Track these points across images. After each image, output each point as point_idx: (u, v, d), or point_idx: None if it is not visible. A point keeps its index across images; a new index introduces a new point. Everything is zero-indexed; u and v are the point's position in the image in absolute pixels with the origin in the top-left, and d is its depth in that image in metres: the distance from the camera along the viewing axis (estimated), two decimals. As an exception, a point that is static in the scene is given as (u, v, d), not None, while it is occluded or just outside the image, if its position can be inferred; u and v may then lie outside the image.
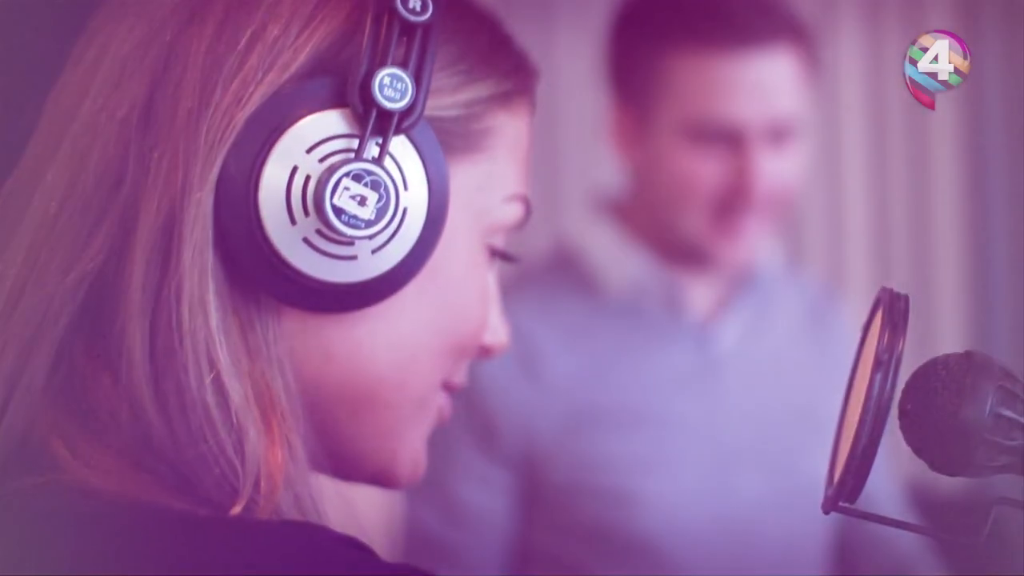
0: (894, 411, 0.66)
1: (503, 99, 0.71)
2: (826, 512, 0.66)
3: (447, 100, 0.68)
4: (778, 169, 1.49)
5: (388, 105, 0.63)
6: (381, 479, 0.74)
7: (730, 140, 1.46)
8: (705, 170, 1.48)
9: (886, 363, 0.64)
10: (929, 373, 0.67)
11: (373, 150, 0.64)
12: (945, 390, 0.66)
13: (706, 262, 1.53)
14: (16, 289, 0.64)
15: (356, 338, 0.67)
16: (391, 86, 0.63)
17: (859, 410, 0.64)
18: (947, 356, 0.67)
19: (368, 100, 0.63)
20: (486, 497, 1.50)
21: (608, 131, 1.61)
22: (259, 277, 0.64)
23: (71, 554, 0.60)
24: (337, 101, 0.63)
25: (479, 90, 0.70)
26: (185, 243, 0.62)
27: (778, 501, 1.51)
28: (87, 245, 0.63)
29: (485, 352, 0.76)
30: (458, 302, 0.70)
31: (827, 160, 2.53)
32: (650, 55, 1.51)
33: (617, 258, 1.55)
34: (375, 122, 0.63)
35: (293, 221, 0.63)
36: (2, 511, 0.63)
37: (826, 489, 0.67)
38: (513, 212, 0.73)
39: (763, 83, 1.47)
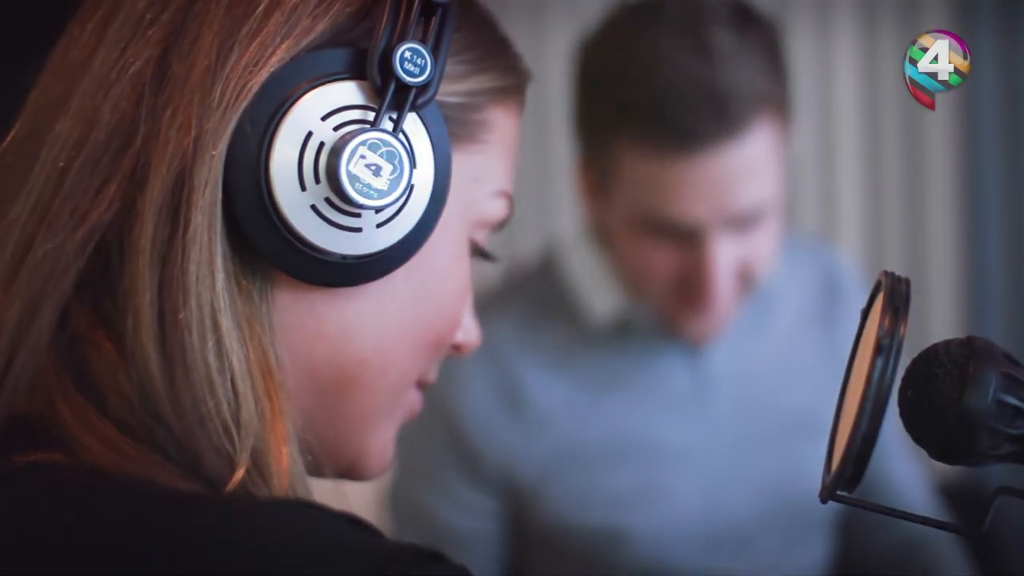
0: (894, 398, 0.64)
1: (501, 94, 0.72)
2: (824, 501, 0.65)
3: (452, 87, 0.68)
4: (742, 255, 1.36)
5: (407, 79, 0.63)
6: (351, 470, 0.74)
7: (686, 234, 1.34)
8: (661, 260, 1.38)
9: (887, 348, 0.62)
10: (930, 359, 0.65)
11: (387, 124, 0.64)
12: (947, 376, 0.64)
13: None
14: (24, 242, 0.64)
15: (345, 317, 0.67)
16: (411, 61, 0.63)
17: (859, 396, 0.62)
18: (948, 342, 0.66)
19: (387, 73, 0.63)
20: (473, 523, 1.46)
21: (571, 177, 1.52)
22: (263, 242, 0.63)
23: (67, 533, 0.59)
24: (354, 72, 0.64)
25: (482, 81, 0.70)
26: (195, 202, 0.62)
27: (773, 519, 1.47)
28: (97, 201, 0.63)
29: (456, 349, 0.76)
30: (441, 292, 0.71)
31: (822, 148, 2.51)
32: (601, 139, 1.40)
33: (601, 281, 1.47)
34: (392, 96, 0.63)
35: (303, 187, 0.63)
36: (4, 485, 0.63)
37: (824, 477, 0.65)
38: (499, 208, 0.73)
39: (720, 181, 1.32)
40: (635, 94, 1.33)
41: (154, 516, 0.59)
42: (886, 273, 0.66)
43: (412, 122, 0.65)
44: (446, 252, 0.70)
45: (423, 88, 0.64)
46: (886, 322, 0.63)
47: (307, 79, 0.63)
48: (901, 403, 0.65)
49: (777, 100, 1.36)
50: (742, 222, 1.34)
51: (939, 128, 2.42)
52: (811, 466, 1.42)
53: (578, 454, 1.43)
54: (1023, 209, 2.35)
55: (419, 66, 0.64)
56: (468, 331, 0.76)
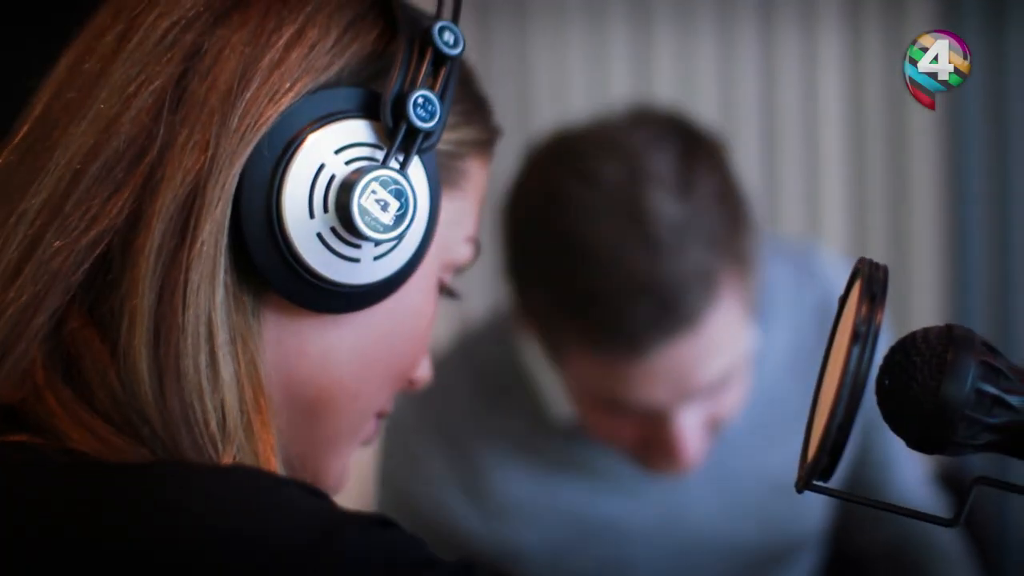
0: (871, 387, 0.63)
1: (481, 147, 0.77)
2: (799, 491, 0.64)
3: (445, 135, 0.72)
4: (711, 412, 1.25)
5: (419, 124, 0.67)
6: None
7: (647, 412, 1.23)
8: (622, 429, 1.26)
9: (864, 336, 0.61)
10: (908, 347, 0.64)
11: (394, 164, 0.68)
12: (925, 365, 0.63)
13: None
14: (32, 238, 0.66)
15: (327, 341, 0.71)
16: (423, 107, 0.67)
17: (835, 385, 0.61)
18: (926, 330, 0.65)
19: (400, 116, 0.67)
20: None
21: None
22: (265, 263, 0.66)
23: (24, 501, 0.62)
24: (367, 113, 0.68)
25: (469, 133, 0.75)
26: (205, 217, 0.64)
27: (750, 570, 1.42)
28: (108, 206, 0.65)
29: (412, 385, 0.79)
30: (413, 327, 0.75)
31: (806, 136, 2.50)
32: (543, 322, 1.26)
33: (559, 386, 1.34)
34: (404, 138, 0.67)
35: (311, 215, 0.66)
36: None
37: (800, 468, 0.64)
38: (468, 252, 0.78)
39: (677, 370, 1.19)
40: (572, 289, 1.19)
41: (108, 480, 0.61)
42: (864, 260, 0.65)
43: (414, 164, 0.69)
44: (421, 289, 0.73)
45: (428, 133, 0.68)
46: (863, 310, 0.62)
47: (322, 114, 0.67)
48: (879, 392, 0.64)
49: (735, 257, 1.21)
50: (708, 391, 1.23)
51: (924, 125, 2.41)
52: (793, 521, 1.39)
53: (543, 539, 1.37)
54: (1006, 206, 2.35)
55: (429, 112, 0.68)
56: (424, 368, 0.80)
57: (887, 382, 0.64)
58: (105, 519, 0.59)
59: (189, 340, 0.64)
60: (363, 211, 0.66)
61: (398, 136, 0.67)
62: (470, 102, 0.76)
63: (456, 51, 0.70)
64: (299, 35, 0.67)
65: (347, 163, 0.67)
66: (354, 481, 0.81)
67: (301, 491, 0.62)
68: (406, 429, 1.42)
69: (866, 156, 2.47)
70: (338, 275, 0.68)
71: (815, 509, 1.43)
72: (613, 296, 1.16)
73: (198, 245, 0.65)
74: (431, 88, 0.69)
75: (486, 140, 0.78)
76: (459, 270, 0.78)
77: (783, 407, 1.37)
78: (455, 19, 0.71)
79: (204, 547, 0.57)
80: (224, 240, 0.65)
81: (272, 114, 0.66)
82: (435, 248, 0.73)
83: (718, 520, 1.39)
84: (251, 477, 0.63)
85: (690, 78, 2.51)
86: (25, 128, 0.69)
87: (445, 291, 0.79)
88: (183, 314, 0.64)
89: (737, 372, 1.25)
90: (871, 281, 0.63)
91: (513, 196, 1.28)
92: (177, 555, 0.57)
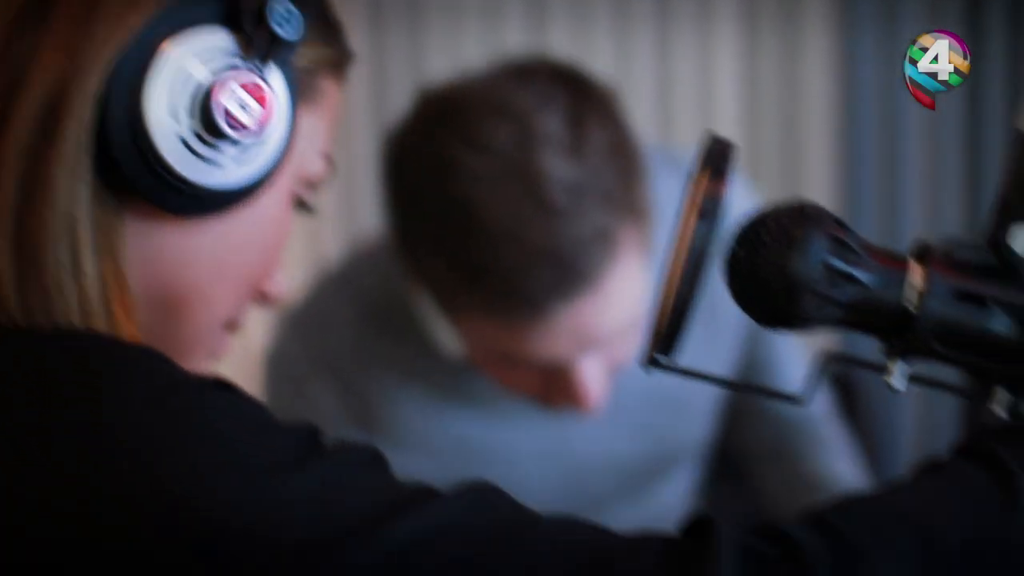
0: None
1: (336, 67, 0.79)
2: (643, 367, 0.63)
3: (303, 51, 0.74)
4: (613, 359, 1.24)
5: (279, 32, 0.70)
6: None
7: (548, 364, 1.22)
8: (523, 379, 1.25)
9: (708, 211, 0.61)
10: (757, 224, 0.64)
11: (255, 69, 0.70)
12: (775, 242, 0.63)
13: None
14: None
15: (186, 244, 0.72)
16: (283, 16, 0.70)
17: (679, 259, 0.61)
18: (777, 206, 0.65)
19: (261, 25, 0.69)
20: None
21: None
22: (128, 165, 0.68)
23: None
24: (229, 22, 0.70)
25: (325, 52, 0.77)
26: (68, 119, 0.66)
27: (634, 485, 1.42)
28: None
29: (264, 298, 0.81)
30: (268, 237, 0.76)
31: (698, 29, 2.50)
32: (434, 286, 1.23)
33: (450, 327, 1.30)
34: (264, 47, 0.70)
35: (174, 118, 0.68)
36: None
37: (646, 346, 0.64)
38: (322, 167, 0.80)
39: (578, 327, 1.18)
40: (468, 258, 1.17)
41: None
42: (711, 136, 0.65)
43: (274, 73, 0.71)
44: (276, 201, 0.75)
45: (288, 45, 0.70)
46: (707, 185, 0.62)
47: (184, 23, 0.68)
48: (729, 269, 0.64)
49: (632, 210, 1.19)
50: (609, 340, 1.22)
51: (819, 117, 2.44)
52: (677, 432, 1.39)
53: (434, 466, 1.32)
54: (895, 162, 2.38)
55: (288, 22, 0.70)
56: (279, 283, 0.81)
57: (735, 258, 0.64)
58: None
59: (50, 235, 0.66)
60: (224, 112, 0.68)
61: (259, 43, 0.69)
62: (327, 23, 0.78)
63: None
64: None
65: (209, 69, 0.69)
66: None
67: (145, 354, 0.65)
68: (290, 358, 1.40)
69: (759, 31, 2.47)
70: (199, 177, 0.69)
71: (699, 417, 1.44)
72: (511, 266, 1.13)
73: (62, 144, 0.66)
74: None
75: (340, 61, 0.80)
76: (312, 185, 0.80)
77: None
78: None
79: (46, 405, 0.61)
80: (88, 140, 0.67)
81: (135, 22, 0.67)
82: (290, 160, 0.75)
83: (604, 439, 1.38)
84: (98, 339, 0.66)
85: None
86: None
87: (301, 205, 0.80)
88: (46, 210, 0.66)
89: (638, 319, 1.24)
90: (717, 158, 0.63)
91: (398, 153, 1.25)
92: (21, 414, 0.61)
